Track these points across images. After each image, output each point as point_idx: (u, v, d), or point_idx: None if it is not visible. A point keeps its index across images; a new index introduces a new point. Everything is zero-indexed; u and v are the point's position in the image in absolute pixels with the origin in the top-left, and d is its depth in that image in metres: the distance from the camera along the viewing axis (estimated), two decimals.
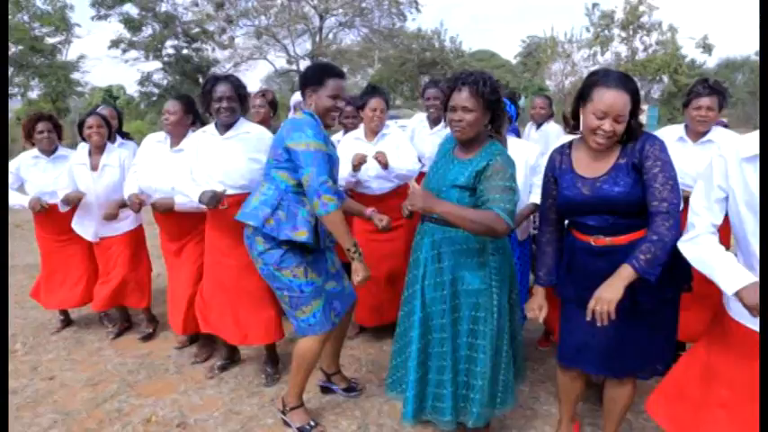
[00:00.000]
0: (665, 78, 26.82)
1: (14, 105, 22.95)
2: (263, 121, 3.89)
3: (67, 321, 4.09)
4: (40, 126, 3.62)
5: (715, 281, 1.61)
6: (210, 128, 2.92)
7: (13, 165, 3.68)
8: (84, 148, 3.59)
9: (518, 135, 4.37)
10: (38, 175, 3.64)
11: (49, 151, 3.68)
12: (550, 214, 2.15)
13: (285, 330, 3.09)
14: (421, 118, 3.92)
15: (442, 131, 3.55)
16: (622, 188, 1.88)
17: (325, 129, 2.42)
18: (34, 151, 3.69)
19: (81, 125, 3.50)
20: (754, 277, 1.52)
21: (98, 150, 3.52)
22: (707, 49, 23.74)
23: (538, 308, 2.19)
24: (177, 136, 3.19)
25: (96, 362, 3.49)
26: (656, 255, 1.76)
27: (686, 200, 2.78)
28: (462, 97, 2.01)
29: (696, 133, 2.92)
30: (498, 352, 2.18)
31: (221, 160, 2.83)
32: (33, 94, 20.03)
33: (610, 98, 1.80)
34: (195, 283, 3.19)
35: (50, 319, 4.14)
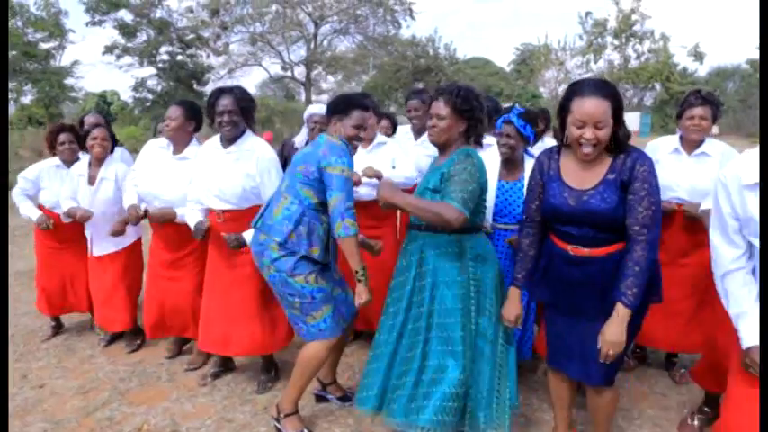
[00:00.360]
0: (658, 86, 27.02)
1: None
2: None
3: (59, 327, 4.06)
4: (62, 137, 3.66)
5: (736, 326, 1.63)
6: (216, 140, 2.94)
7: (32, 172, 3.69)
8: (85, 157, 3.60)
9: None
10: (56, 185, 3.65)
11: (71, 162, 3.69)
12: (535, 216, 2.14)
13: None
14: (405, 130, 3.92)
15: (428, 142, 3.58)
16: (608, 205, 1.88)
17: None
18: (56, 160, 3.71)
19: (86, 135, 3.49)
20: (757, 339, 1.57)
21: (98, 163, 3.50)
22: (698, 57, 24.00)
23: (514, 318, 2.20)
24: (179, 143, 3.17)
25: (87, 369, 3.46)
26: (640, 287, 1.83)
27: (680, 214, 2.84)
28: (438, 106, 2.22)
29: (690, 144, 2.91)
30: (483, 362, 2.22)
31: (219, 176, 2.84)
32: (26, 100, 19.97)
33: (586, 106, 1.82)
34: (199, 294, 3.17)
35: (41, 326, 4.11)
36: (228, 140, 2.87)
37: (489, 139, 3.49)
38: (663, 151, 2.99)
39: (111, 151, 3.56)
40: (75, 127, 3.86)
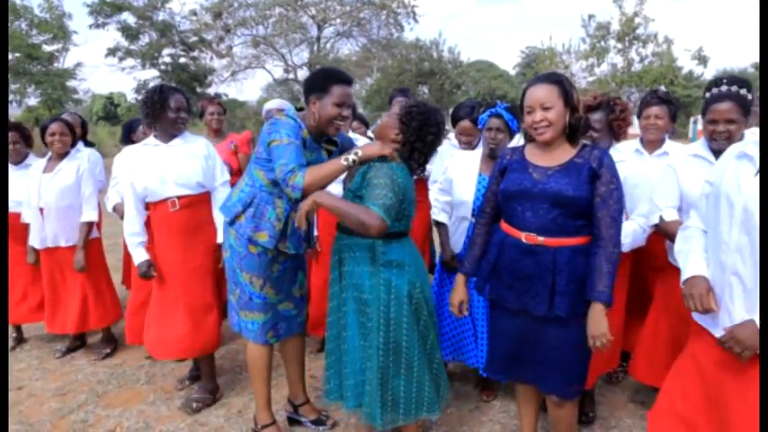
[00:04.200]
0: (663, 89, 26.84)
1: (13, 112, 23.02)
2: (220, 129, 3.87)
3: (20, 339, 3.95)
4: (9, 137, 3.58)
5: (683, 267, 1.79)
6: (149, 140, 2.87)
7: None
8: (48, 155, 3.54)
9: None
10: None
11: (17, 162, 3.66)
12: (487, 208, 2.16)
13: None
14: None
15: None
16: (573, 181, 1.88)
17: (325, 137, 2.38)
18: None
19: (44, 130, 3.43)
20: (703, 271, 1.71)
21: (59, 158, 3.44)
22: (702, 60, 23.81)
23: (456, 303, 2.23)
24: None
25: (67, 371, 3.45)
26: (611, 280, 1.86)
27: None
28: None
29: (651, 144, 2.90)
30: (396, 365, 2.17)
31: (173, 164, 2.79)
32: (32, 101, 20.07)
33: (531, 92, 1.94)
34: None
35: (26, 327, 4.07)
36: (171, 137, 2.84)
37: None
38: (625, 153, 2.94)
39: (73, 144, 3.53)
40: (23, 125, 3.80)
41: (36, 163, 3.56)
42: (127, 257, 3.71)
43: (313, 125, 2.31)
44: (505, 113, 2.67)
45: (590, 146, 1.98)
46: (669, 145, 2.91)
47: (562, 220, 1.89)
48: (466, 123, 3.16)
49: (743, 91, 2.27)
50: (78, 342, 3.79)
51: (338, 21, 25.24)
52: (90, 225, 3.46)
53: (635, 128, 3.02)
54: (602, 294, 1.84)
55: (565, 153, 1.96)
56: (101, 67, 28.66)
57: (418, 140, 2.14)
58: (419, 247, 2.95)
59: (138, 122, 4.00)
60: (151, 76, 21.81)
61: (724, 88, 2.29)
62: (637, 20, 22.57)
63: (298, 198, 2.13)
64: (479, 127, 2.82)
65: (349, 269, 2.21)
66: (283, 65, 25.95)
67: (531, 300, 1.95)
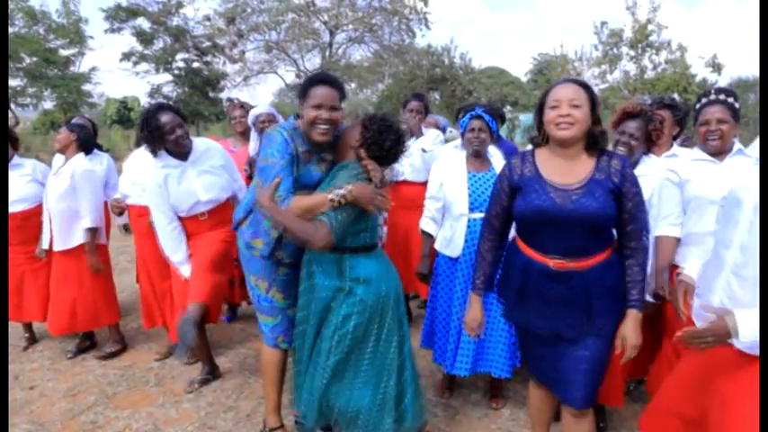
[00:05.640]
0: (677, 97, 26.62)
1: (29, 115, 23.33)
2: (246, 131, 3.92)
3: (33, 340, 3.97)
4: None
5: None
6: (164, 161, 2.92)
7: None
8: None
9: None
10: None
11: None
12: (495, 223, 2.05)
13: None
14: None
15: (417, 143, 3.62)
16: (601, 203, 1.80)
17: (316, 145, 2.25)
18: None
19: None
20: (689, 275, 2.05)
21: (65, 162, 3.52)
22: (716, 68, 23.49)
23: (475, 325, 2.15)
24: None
25: (78, 372, 3.48)
26: (644, 286, 1.92)
27: None
28: None
29: (657, 148, 2.88)
30: (341, 373, 2.21)
31: (201, 185, 2.98)
32: (48, 105, 20.32)
33: (560, 89, 1.86)
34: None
35: (37, 327, 4.10)
36: (184, 153, 2.94)
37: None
38: (651, 166, 2.93)
39: (88, 150, 3.57)
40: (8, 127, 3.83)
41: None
42: (139, 259, 3.71)
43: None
44: (485, 115, 2.76)
45: (607, 154, 1.90)
46: (677, 149, 2.91)
47: (589, 241, 1.84)
48: None
49: (730, 99, 2.39)
50: (87, 342, 3.81)
51: (350, 27, 25.32)
52: (91, 231, 3.43)
53: None
54: (637, 303, 1.89)
55: (583, 166, 1.87)
56: (115, 71, 29.20)
57: (375, 144, 2.15)
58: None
59: None
60: (165, 80, 22.01)
61: (713, 96, 2.43)
62: (650, 27, 22.26)
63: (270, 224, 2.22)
64: (461, 130, 2.87)
65: (318, 282, 2.23)
66: (295, 70, 26.01)
67: (563, 324, 1.89)
